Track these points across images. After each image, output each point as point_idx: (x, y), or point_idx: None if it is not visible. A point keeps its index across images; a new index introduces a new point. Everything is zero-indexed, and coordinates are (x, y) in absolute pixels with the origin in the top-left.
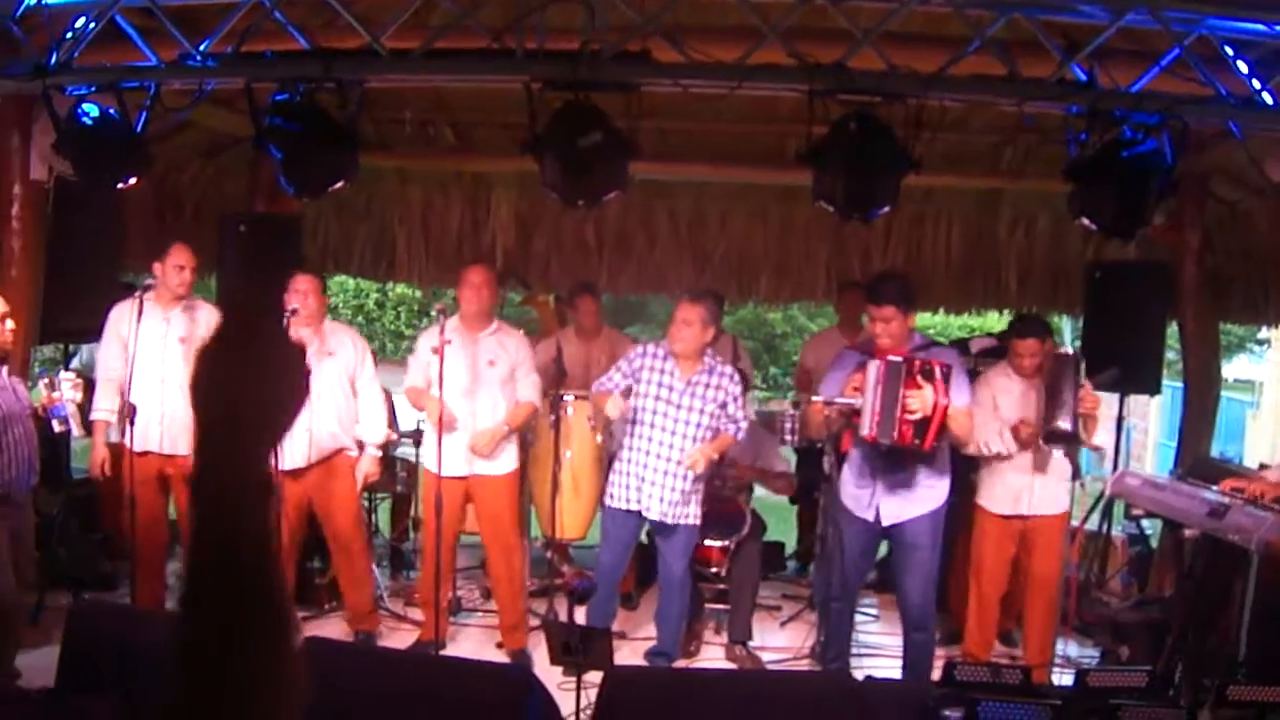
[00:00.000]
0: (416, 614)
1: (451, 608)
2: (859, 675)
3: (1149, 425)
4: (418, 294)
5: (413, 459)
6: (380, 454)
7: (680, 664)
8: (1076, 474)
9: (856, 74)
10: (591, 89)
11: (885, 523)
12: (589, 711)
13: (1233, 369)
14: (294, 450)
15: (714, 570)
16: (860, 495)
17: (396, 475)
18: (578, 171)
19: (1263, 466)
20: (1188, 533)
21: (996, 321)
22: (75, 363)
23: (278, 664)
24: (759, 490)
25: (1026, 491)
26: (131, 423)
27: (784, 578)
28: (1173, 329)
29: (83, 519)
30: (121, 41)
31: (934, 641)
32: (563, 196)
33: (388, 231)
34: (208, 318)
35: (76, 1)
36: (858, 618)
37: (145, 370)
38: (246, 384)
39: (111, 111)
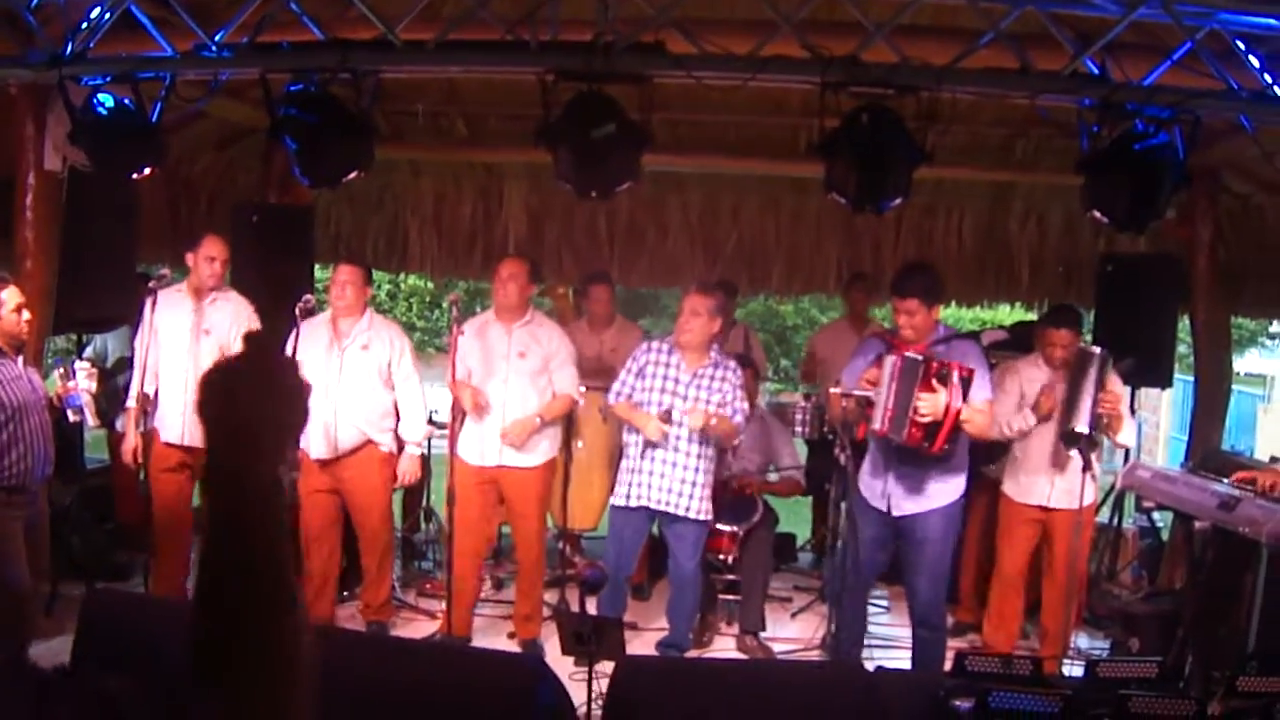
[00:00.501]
0: (428, 604)
1: None
2: (870, 666)
3: (1160, 419)
4: (430, 285)
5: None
6: (421, 452)
7: (692, 654)
8: (1087, 465)
9: (869, 66)
10: (605, 80)
11: (896, 514)
12: (600, 701)
13: (1244, 363)
14: (314, 441)
15: (723, 558)
16: (874, 485)
17: None
18: (591, 163)
19: (1274, 460)
20: (1198, 525)
21: (1008, 315)
22: (88, 352)
23: (288, 653)
24: None
25: (1049, 483)
26: (148, 412)
27: (796, 569)
28: (1184, 322)
29: (97, 509)
30: (136, 32)
31: (944, 640)
32: (576, 188)
33: (400, 223)
34: (236, 310)
35: None
36: (869, 609)
37: (171, 361)
38: (250, 408)
39: (126, 102)
